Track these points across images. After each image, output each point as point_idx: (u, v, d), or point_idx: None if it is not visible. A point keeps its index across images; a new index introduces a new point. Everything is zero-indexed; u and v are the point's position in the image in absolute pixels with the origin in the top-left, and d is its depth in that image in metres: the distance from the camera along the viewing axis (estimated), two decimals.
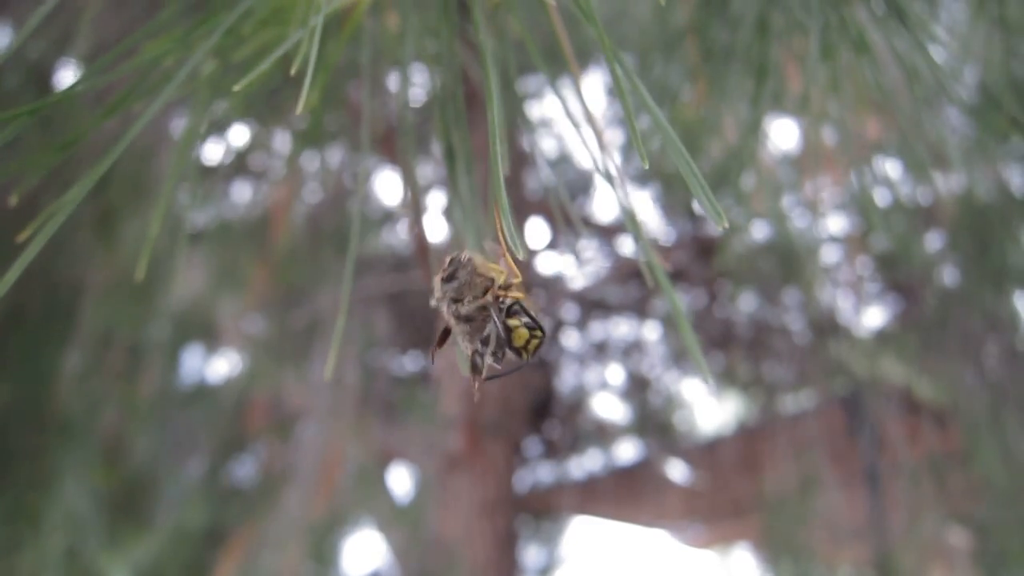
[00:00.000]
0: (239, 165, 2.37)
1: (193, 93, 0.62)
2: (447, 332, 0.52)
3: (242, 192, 2.52)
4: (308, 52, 0.45)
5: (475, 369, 0.50)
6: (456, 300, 0.50)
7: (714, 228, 2.85)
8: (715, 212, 0.42)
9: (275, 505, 2.33)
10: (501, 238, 0.48)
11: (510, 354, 0.50)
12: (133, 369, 2.01)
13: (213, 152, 2.40)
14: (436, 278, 0.51)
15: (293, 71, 0.44)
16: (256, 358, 2.67)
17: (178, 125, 2.09)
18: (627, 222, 0.57)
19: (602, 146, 0.60)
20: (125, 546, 2.39)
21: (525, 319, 0.49)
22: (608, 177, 0.57)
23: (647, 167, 0.44)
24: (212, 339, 2.76)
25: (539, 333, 0.49)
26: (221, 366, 2.88)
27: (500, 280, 0.50)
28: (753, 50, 0.80)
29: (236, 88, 0.45)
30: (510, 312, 0.49)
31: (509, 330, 0.49)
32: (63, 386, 1.54)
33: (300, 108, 0.45)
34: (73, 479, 1.48)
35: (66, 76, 1.85)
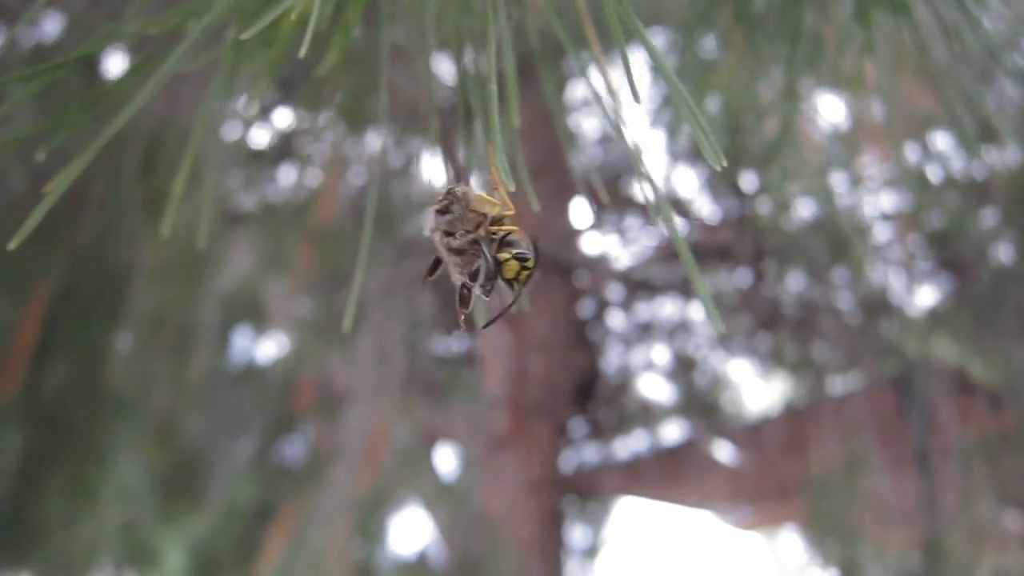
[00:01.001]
0: (284, 149, 2.40)
1: (218, 60, 0.62)
2: (438, 262, 0.53)
3: (288, 175, 2.55)
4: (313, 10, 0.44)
5: (462, 301, 0.51)
6: (448, 233, 0.51)
7: (762, 206, 2.80)
8: (713, 152, 0.41)
9: (322, 483, 2.37)
10: (494, 170, 0.49)
11: (502, 286, 0.51)
12: (184, 349, 2.06)
13: (259, 136, 2.44)
14: (430, 208, 0.52)
15: (303, 52, 0.45)
16: (303, 339, 2.71)
17: (228, 110, 2.12)
18: (651, 208, 0.56)
19: (624, 126, 0.59)
20: (179, 521, 2.46)
21: (516, 251, 0.50)
22: (637, 159, 0.56)
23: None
24: (260, 320, 2.81)
25: (529, 264, 0.50)
26: (269, 347, 2.93)
27: (493, 213, 0.51)
28: (787, 15, 0.78)
29: (244, 36, 0.44)
30: (501, 244, 0.51)
31: (499, 263, 0.50)
32: (116, 365, 1.59)
33: (323, 69, 0.45)
34: (127, 455, 1.52)
35: (114, 64, 1.88)
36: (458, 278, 0.51)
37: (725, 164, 0.41)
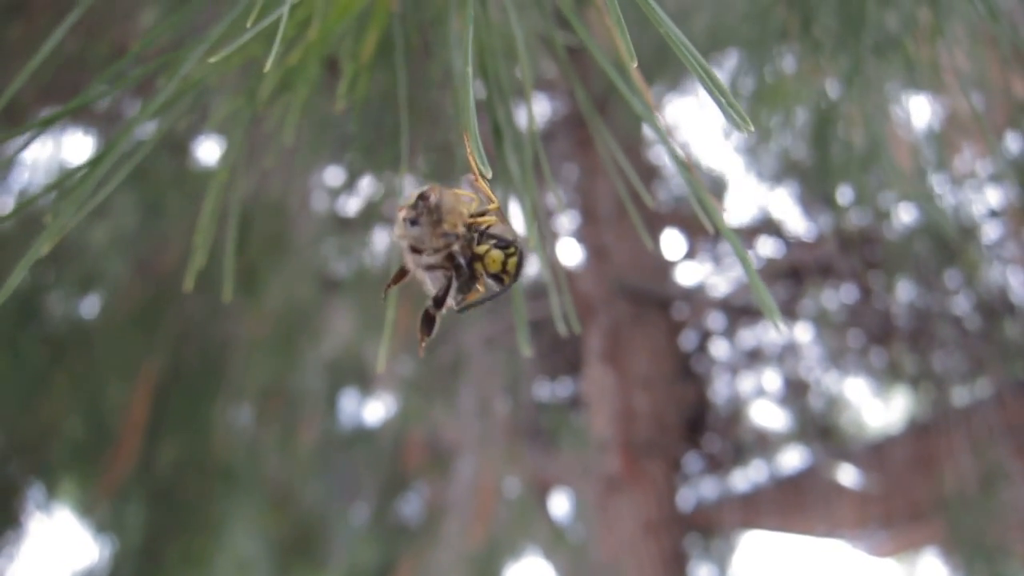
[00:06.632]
0: (374, 214, 2.47)
1: (237, 106, 0.64)
2: (404, 272, 0.50)
3: (379, 238, 2.61)
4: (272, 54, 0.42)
5: (425, 321, 0.48)
6: (416, 250, 0.47)
7: (859, 218, 2.71)
8: (737, 115, 0.38)
9: (437, 538, 2.38)
10: (472, 162, 0.44)
11: (491, 283, 0.47)
12: (293, 417, 2.12)
13: (350, 206, 2.52)
14: (400, 212, 0.48)
15: (266, 68, 0.43)
16: (408, 398, 2.75)
17: (316, 182, 2.20)
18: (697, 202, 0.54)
19: (688, 160, 0.58)
20: None
21: (493, 241, 0.47)
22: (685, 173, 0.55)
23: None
24: (366, 383, 2.86)
25: (512, 250, 0.47)
26: (377, 408, 2.99)
27: (472, 209, 0.48)
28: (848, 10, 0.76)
29: (212, 60, 0.44)
30: (482, 237, 0.47)
31: (480, 258, 0.46)
32: (226, 437, 1.64)
33: (338, 105, 0.45)
34: (241, 525, 1.57)
35: (206, 149, 1.99)
36: (429, 291, 0.47)
37: (752, 129, 0.39)
